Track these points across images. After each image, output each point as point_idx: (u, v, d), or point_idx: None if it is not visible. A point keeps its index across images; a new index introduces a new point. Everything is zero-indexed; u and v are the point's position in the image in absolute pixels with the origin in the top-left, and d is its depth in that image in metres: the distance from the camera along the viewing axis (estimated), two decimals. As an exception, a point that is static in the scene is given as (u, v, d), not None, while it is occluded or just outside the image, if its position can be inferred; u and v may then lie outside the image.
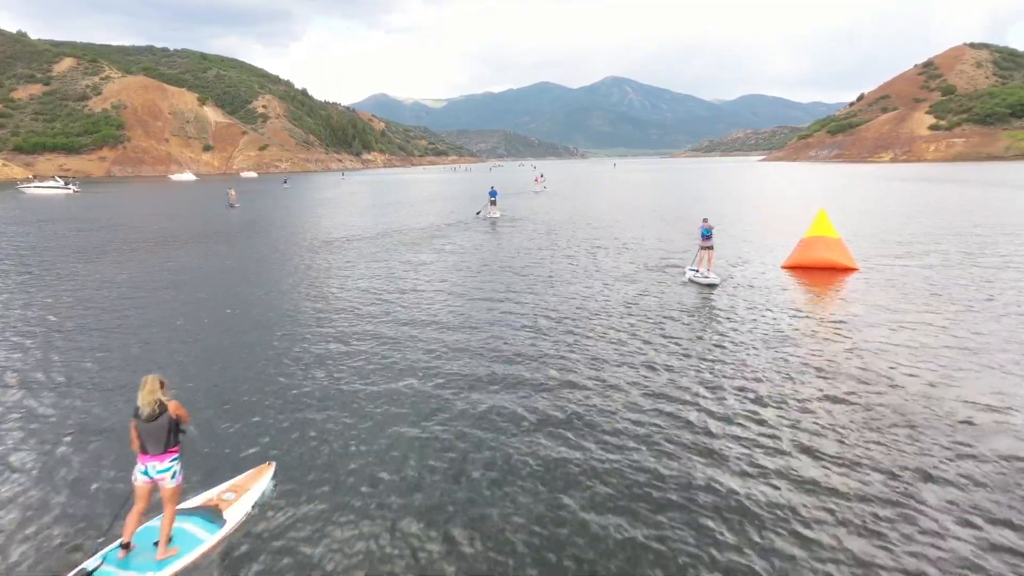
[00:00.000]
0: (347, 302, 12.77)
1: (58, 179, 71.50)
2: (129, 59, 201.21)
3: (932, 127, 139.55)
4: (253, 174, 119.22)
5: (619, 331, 10.30)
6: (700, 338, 9.84)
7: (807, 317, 11.19)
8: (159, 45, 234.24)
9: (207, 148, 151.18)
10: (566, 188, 61.67)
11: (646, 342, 9.67)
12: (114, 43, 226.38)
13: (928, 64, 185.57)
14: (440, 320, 11.16)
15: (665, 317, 11.14)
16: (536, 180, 66.48)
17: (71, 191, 63.79)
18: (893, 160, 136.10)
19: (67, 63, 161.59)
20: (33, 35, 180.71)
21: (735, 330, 10.24)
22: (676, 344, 9.56)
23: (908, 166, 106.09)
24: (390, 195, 56.40)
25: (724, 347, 9.33)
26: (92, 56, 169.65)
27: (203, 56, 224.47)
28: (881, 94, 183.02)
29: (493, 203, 32.79)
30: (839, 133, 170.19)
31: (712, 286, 13.45)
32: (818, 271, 14.79)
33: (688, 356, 8.96)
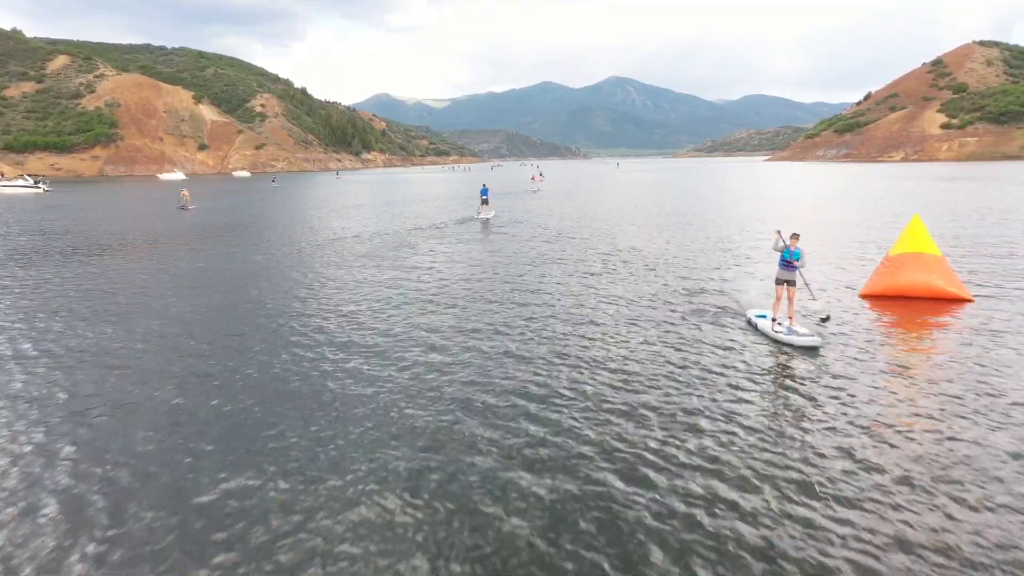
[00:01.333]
0: (238, 362, 8.86)
1: (27, 178, 68.15)
2: (126, 57, 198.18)
3: (944, 126, 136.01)
4: (246, 173, 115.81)
5: (671, 419, 6.88)
6: (787, 434, 6.32)
7: (940, 395, 7.14)
8: (157, 43, 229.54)
9: (202, 147, 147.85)
10: (569, 188, 58.27)
11: (711, 437, 6.32)
12: (112, 42, 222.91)
13: (937, 62, 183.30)
14: (353, 414, 6.81)
15: (727, 385, 7.70)
16: (533, 179, 62.76)
17: (40, 190, 60.57)
18: (904, 160, 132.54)
19: (61, 60, 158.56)
20: (34, 34, 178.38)
21: (832, 420, 6.61)
22: (756, 444, 6.15)
23: (922, 165, 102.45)
24: (377, 195, 53.00)
25: (828, 456, 5.81)
26: (86, 54, 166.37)
27: (201, 54, 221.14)
28: (889, 93, 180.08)
29: (485, 202, 30.07)
30: (847, 132, 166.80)
31: (811, 350, 8.74)
32: (915, 302, 11.00)
33: (772, 475, 5.57)
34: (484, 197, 30.14)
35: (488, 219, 28.63)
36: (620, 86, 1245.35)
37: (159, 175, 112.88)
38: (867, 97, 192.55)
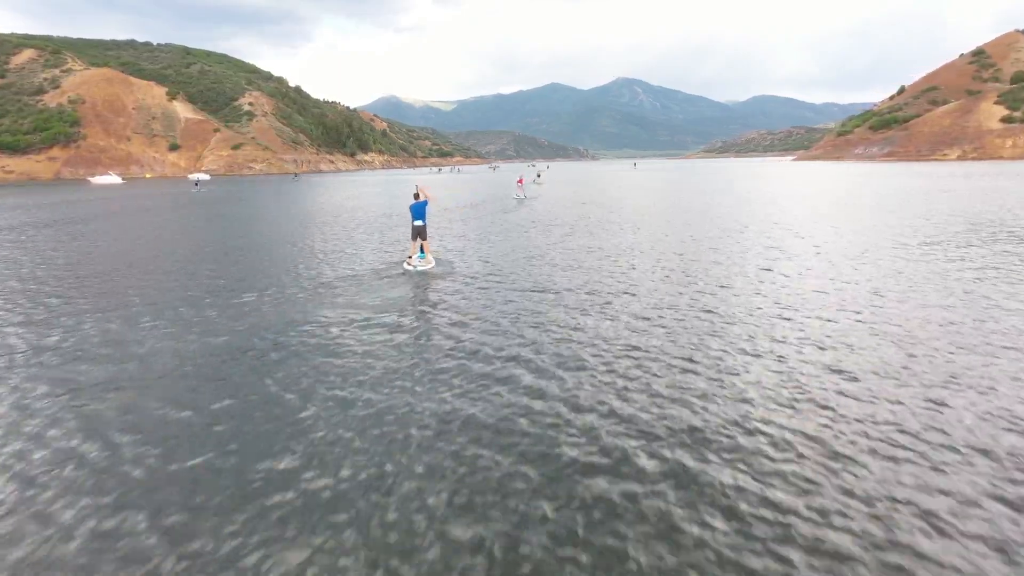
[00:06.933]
0: None
1: None
2: (108, 54, 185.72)
3: (1005, 119, 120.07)
4: (205, 176, 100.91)
5: None
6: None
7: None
8: (155, 41, 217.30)
9: (173, 147, 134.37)
10: (583, 196, 43.58)
11: None
12: (101, 39, 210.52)
13: (978, 52, 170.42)
14: None
15: None
16: (519, 182, 45.94)
17: None
18: (961, 158, 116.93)
19: (27, 55, 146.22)
20: (40, 34, 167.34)
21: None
22: None
23: (986, 164, 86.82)
24: (303, 204, 38.00)
25: None
26: (54, 47, 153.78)
27: (187, 51, 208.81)
28: (926, 86, 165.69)
29: (420, 233, 13.74)
30: (884, 128, 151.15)
31: None
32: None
33: None
34: (417, 223, 13.66)
35: (426, 271, 13.49)
36: (628, 87, 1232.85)
37: (90, 179, 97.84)
38: (901, 91, 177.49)
